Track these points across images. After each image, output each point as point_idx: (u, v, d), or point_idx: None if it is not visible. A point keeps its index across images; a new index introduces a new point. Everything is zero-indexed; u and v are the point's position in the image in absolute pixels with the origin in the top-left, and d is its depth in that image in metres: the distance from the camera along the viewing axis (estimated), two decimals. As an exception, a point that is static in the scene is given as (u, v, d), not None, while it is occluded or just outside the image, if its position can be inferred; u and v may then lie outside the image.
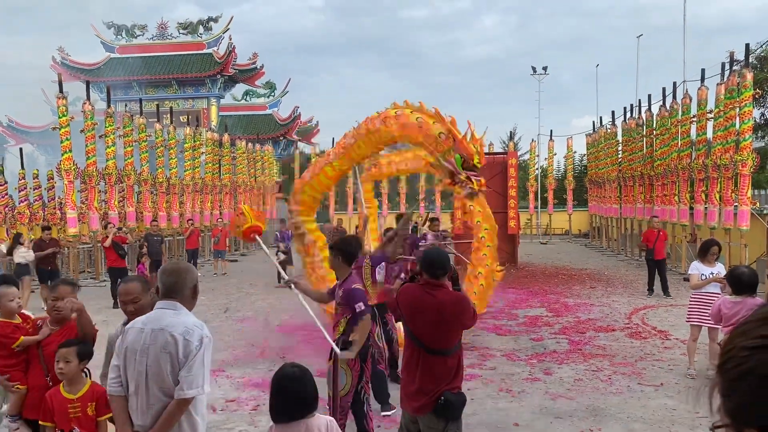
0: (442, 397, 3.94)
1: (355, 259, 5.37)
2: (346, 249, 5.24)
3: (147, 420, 3.16)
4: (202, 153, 25.45)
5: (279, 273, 13.67)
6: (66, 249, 17.17)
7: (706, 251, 7.72)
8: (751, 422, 0.88)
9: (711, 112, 15.70)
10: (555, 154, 31.21)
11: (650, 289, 13.63)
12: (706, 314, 7.26)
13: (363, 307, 4.95)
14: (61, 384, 3.85)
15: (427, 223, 12.71)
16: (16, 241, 13.68)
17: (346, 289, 5.09)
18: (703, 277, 7.53)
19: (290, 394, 2.93)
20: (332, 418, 3.21)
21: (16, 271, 13.42)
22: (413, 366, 4.06)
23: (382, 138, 8.05)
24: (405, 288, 4.35)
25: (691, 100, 17.16)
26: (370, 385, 5.48)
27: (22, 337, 4.15)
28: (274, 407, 2.97)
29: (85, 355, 3.84)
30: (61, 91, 17.34)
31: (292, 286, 5.52)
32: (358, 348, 4.97)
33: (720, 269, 7.66)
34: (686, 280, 15.41)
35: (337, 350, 4.93)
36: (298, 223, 9.45)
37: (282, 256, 16.00)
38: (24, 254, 13.30)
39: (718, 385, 0.93)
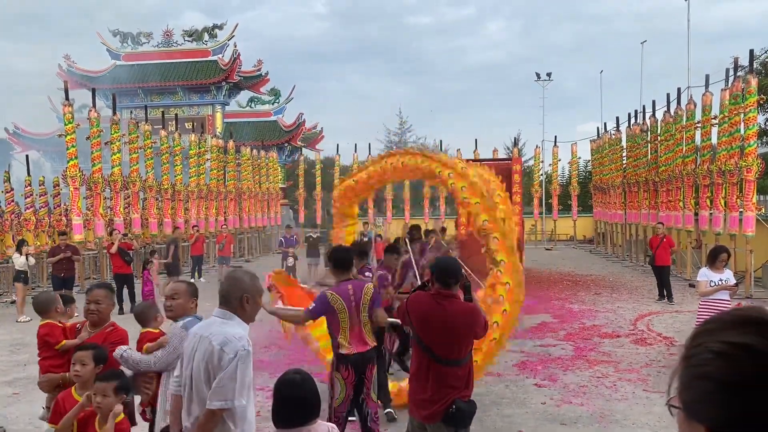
0: (454, 406, 3.92)
1: (345, 264, 5.23)
2: (334, 256, 5.31)
3: (189, 424, 3.25)
4: (207, 159, 25.53)
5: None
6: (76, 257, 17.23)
7: (716, 258, 7.56)
8: (701, 420, 0.93)
9: (715, 117, 15.67)
10: (559, 160, 31.22)
11: (660, 294, 13.59)
12: None
13: (311, 308, 5.05)
14: (74, 387, 3.86)
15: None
16: (18, 247, 13.73)
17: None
18: (712, 284, 7.41)
19: (292, 399, 2.93)
20: (334, 426, 3.20)
21: (15, 277, 13.48)
22: (423, 375, 4.03)
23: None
24: (415, 297, 4.29)
25: (695, 105, 17.14)
26: (372, 398, 5.32)
27: (64, 341, 4.38)
28: (276, 413, 2.97)
29: (101, 359, 3.86)
30: (67, 98, 17.44)
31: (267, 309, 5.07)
32: (277, 315, 5.29)
33: (729, 276, 7.54)
34: (692, 286, 15.42)
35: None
36: None
37: (292, 261, 16.02)
38: (16, 260, 13.40)
39: (679, 373, 0.97)
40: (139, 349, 4.41)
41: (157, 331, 4.49)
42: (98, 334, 4.25)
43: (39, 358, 4.62)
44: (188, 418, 3.25)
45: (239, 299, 3.31)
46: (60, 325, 4.56)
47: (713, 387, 0.91)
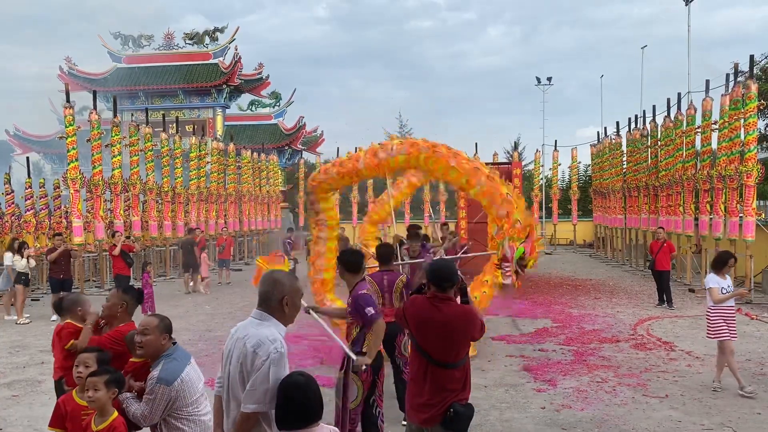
0: (451, 409, 3.93)
1: (359, 267, 5.29)
2: (346, 259, 5.33)
3: (228, 425, 3.27)
4: (208, 162, 25.56)
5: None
6: (74, 258, 17.24)
7: (724, 263, 7.48)
8: None
9: (716, 122, 15.69)
10: (559, 165, 31.26)
11: (660, 299, 13.59)
12: (732, 327, 7.32)
13: (373, 312, 4.91)
14: (74, 390, 3.87)
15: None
16: (19, 249, 13.68)
17: (353, 297, 5.09)
18: (724, 291, 7.32)
19: (295, 402, 2.93)
20: (337, 429, 3.20)
21: (15, 279, 13.46)
22: (421, 378, 4.04)
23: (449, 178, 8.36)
24: (412, 300, 4.31)
25: (695, 110, 17.17)
26: (383, 399, 5.43)
27: (73, 341, 4.46)
28: (280, 415, 2.97)
29: (104, 362, 3.86)
30: (68, 100, 17.45)
31: (310, 311, 5.27)
32: (374, 353, 4.94)
33: (729, 282, 7.54)
34: (692, 291, 15.43)
35: (353, 355, 4.87)
36: None
37: (293, 265, 16.03)
38: (18, 263, 13.37)
39: None
40: (59, 342, 4.60)
41: (78, 325, 4.59)
42: (114, 331, 4.40)
43: (54, 357, 4.78)
44: (227, 419, 3.28)
45: (279, 301, 3.28)
46: (76, 326, 4.61)
47: None
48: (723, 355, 7.41)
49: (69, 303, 4.84)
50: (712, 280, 7.41)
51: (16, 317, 12.99)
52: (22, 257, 13.42)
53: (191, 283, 17.45)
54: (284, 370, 3.09)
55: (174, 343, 3.75)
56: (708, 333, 7.58)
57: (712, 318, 7.43)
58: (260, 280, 3.46)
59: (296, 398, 2.93)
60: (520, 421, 6.53)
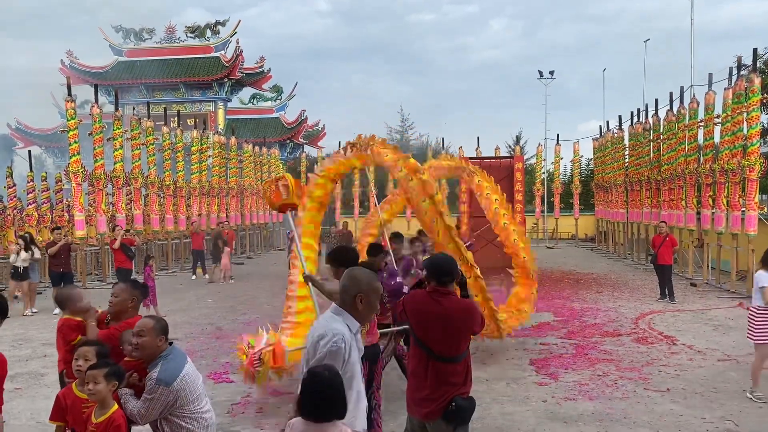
0: (453, 403, 3.93)
1: (349, 263, 5.23)
2: (339, 258, 5.31)
3: None
4: (209, 156, 25.57)
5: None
6: (74, 252, 17.29)
7: None
8: None
9: (718, 116, 15.64)
10: (561, 158, 31.18)
11: (661, 293, 13.58)
12: None
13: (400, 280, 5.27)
14: (74, 383, 3.88)
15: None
16: (29, 243, 13.71)
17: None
18: None
19: (316, 394, 2.91)
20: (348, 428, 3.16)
21: (13, 274, 13.50)
22: (422, 372, 4.04)
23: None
24: (412, 295, 4.31)
25: (698, 104, 17.11)
26: (381, 391, 5.43)
27: (80, 336, 4.44)
28: (304, 406, 2.94)
29: (103, 356, 3.87)
30: (69, 94, 17.44)
31: (308, 281, 5.73)
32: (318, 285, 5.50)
33: None
34: (693, 285, 15.43)
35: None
36: None
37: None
38: (23, 257, 13.42)
39: None
40: (60, 336, 4.61)
41: (77, 319, 4.58)
42: (124, 323, 4.38)
43: (59, 353, 4.79)
44: None
45: (353, 297, 3.31)
46: (76, 320, 4.60)
47: None
48: (760, 360, 6.92)
49: (61, 299, 4.84)
50: (764, 278, 6.68)
51: (33, 309, 13.20)
52: (27, 252, 13.47)
53: (211, 273, 18.46)
54: (339, 366, 3.11)
55: (170, 344, 3.75)
56: (750, 334, 6.95)
57: (758, 319, 6.81)
58: (342, 275, 3.48)
59: (318, 391, 2.91)
60: (522, 414, 6.53)
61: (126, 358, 3.99)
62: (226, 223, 21.10)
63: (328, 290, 5.87)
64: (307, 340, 3.35)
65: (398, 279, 6.58)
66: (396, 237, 8.47)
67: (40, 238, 18.51)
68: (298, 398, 3.00)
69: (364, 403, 3.43)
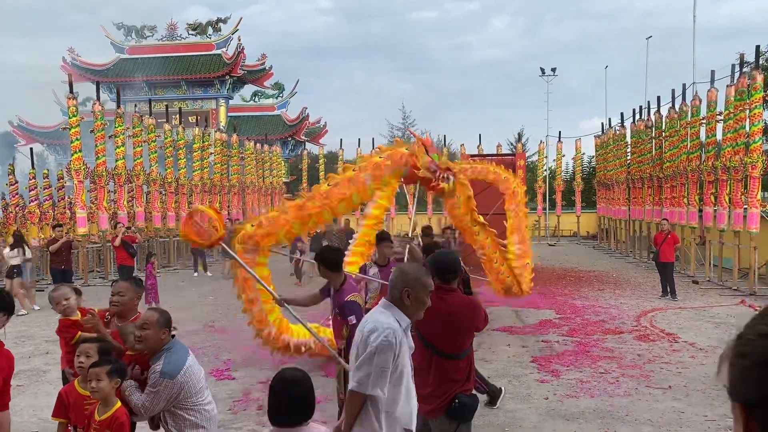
0: (457, 400, 3.94)
1: (338, 264, 5.35)
2: (324, 257, 5.31)
3: None
4: (211, 153, 25.56)
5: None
6: (75, 249, 17.31)
7: None
8: (738, 399, 0.96)
9: (720, 114, 15.61)
10: (563, 156, 31.14)
11: (663, 291, 13.57)
12: None
13: (354, 321, 4.87)
14: (76, 380, 3.89)
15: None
16: (21, 241, 13.68)
17: (339, 303, 5.19)
18: None
19: (289, 397, 2.85)
20: (327, 429, 3.13)
21: (7, 272, 13.48)
22: (425, 369, 4.05)
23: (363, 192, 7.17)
24: None
25: (700, 101, 17.06)
26: None
27: (80, 333, 4.46)
28: (273, 410, 2.88)
29: (106, 352, 3.87)
30: (71, 91, 17.46)
31: (283, 304, 5.68)
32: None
33: None
34: (695, 282, 15.41)
35: (345, 364, 4.86)
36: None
37: (299, 255, 16.03)
38: (9, 255, 13.40)
39: (728, 356, 1.00)
40: (63, 337, 4.62)
41: (74, 318, 4.60)
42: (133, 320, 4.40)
43: (61, 350, 4.83)
44: None
45: (400, 291, 3.30)
46: (71, 319, 4.62)
47: (750, 364, 0.93)
48: None
49: (49, 301, 4.85)
50: None
51: (35, 307, 13.20)
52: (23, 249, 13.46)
53: (222, 269, 18.31)
54: (389, 360, 3.13)
55: (173, 336, 3.76)
56: None
57: None
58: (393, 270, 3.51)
59: (291, 394, 2.85)
60: (524, 411, 6.54)
61: (128, 351, 4.00)
62: (235, 220, 21.16)
63: (304, 298, 5.96)
64: (357, 336, 3.34)
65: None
66: (383, 239, 7.69)
67: (42, 236, 18.53)
68: (269, 405, 2.91)
69: (415, 401, 3.41)
